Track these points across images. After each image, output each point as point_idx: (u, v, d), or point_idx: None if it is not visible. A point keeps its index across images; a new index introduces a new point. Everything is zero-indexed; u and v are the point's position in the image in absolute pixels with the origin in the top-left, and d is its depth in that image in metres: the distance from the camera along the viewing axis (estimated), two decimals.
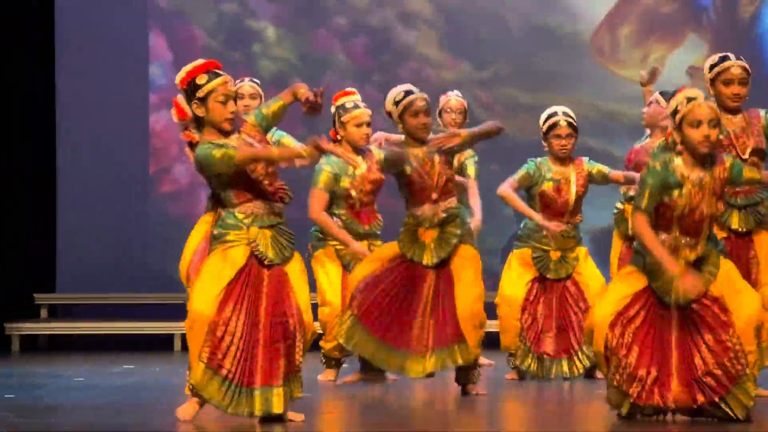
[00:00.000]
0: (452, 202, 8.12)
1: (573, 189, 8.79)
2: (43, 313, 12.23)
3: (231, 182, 7.05)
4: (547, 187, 9.02)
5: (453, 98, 9.90)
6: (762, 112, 8.03)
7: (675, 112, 6.97)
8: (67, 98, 12.42)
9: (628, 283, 7.07)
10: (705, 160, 7.00)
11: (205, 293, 7.00)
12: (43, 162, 12.43)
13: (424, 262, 7.95)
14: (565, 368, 8.87)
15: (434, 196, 8.00)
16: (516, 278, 9.30)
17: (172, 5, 12.62)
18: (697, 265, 7.02)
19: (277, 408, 6.98)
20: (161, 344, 11.59)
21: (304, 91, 7.03)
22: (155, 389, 8.90)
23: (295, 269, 7.17)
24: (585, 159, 8.89)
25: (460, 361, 8.03)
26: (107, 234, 12.38)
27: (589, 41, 12.42)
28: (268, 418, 7.00)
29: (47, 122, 12.47)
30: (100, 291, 12.27)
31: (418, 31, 12.49)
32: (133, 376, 9.71)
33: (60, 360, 11.07)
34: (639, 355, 6.98)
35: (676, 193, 6.94)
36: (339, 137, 8.60)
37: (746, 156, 7.97)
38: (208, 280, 7.03)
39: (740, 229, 8.12)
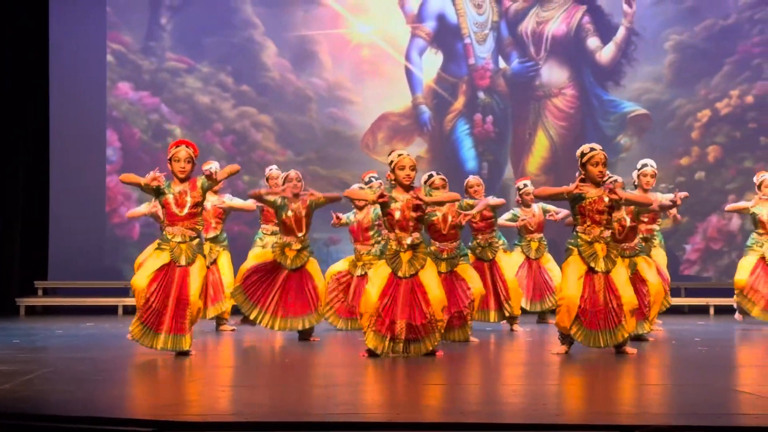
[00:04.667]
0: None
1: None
2: (39, 292, 12.97)
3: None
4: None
5: (273, 169, 10.16)
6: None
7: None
8: (58, 165, 13.01)
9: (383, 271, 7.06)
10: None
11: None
12: (37, 200, 12.97)
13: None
14: None
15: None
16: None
17: (121, 114, 13.18)
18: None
19: (179, 347, 7.16)
20: (110, 311, 12.24)
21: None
22: (105, 337, 9.18)
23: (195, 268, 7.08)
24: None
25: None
26: (79, 246, 12.99)
27: (360, 140, 13.34)
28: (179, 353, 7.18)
29: (42, 179, 13.03)
30: (74, 279, 12.97)
31: (263, 133, 13.30)
32: (93, 330, 9.96)
33: (49, 321, 11.27)
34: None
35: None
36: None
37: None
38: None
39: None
